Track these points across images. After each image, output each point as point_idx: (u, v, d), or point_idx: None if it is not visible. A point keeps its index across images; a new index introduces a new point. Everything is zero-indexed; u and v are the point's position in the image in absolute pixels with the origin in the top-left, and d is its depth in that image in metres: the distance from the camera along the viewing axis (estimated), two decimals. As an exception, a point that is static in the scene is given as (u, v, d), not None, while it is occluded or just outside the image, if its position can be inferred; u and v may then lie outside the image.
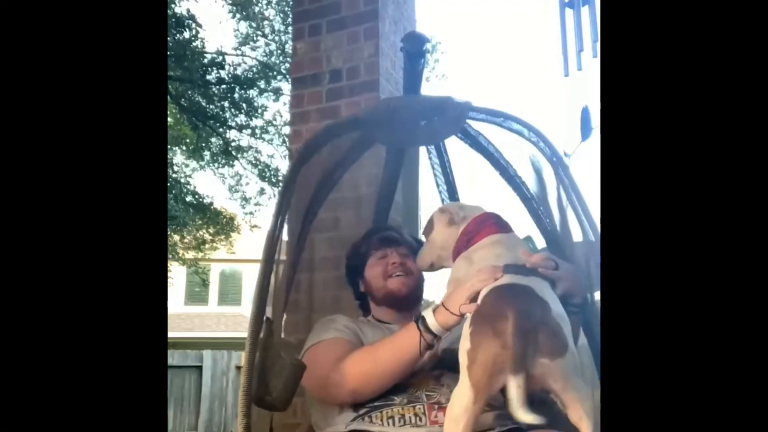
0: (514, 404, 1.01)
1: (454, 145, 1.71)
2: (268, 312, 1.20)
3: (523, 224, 1.52)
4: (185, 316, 11.98)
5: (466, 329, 1.11)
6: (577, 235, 1.41)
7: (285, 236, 1.38)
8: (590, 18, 2.76)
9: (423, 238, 1.47)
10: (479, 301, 1.14)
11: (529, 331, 1.04)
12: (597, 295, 1.35)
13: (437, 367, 1.33)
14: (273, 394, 1.13)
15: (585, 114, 2.95)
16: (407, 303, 1.53)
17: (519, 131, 1.48)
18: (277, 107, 9.01)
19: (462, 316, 1.19)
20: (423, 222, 1.82)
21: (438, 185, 1.83)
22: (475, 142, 1.61)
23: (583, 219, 1.37)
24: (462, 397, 1.06)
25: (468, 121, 1.53)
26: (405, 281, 1.52)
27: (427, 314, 1.24)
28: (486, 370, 1.04)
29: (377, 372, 1.28)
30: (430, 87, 8.50)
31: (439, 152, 1.78)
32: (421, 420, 1.24)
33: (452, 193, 1.82)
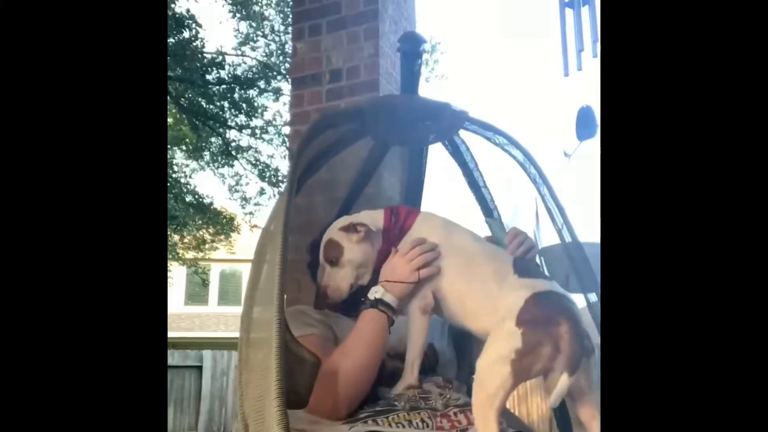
0: (557, 397, 1.10)
1: (435, 151, 1.72)
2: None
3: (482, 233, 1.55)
4: (185, 316, 11.98)
5: (511, 328, 1.14)
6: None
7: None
8: (590, 18, 2.77)
9: (326, 266, 1.35)
10: (522, 304, 1.17)
11: (582, 335, 1.13)
12: (592, 297, 1.36)
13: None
14: (298, 391, 1.12)
15: (590, 113, 2.94)
16: (345, 308, 1.46)
17: (506, 147, 1.49)
18: (277, 107, 9.04)
19: (417, 282, 1.27)
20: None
21: (408, 186, 1.83)
22: (456, 149, 1.62)
23: (563, 232, 1.38)
24: (499, 377, 1.11)
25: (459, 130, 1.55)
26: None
27: (383, 294, 1.27)
28: (532, 366, 1.11)
29: (360, 371, 1.26)
30: (430, 87, 8.52)
31: (419, 155, 1.79)
32: (427, 425, 1.21)
33: (417, 195, 1.83)
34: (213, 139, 9.06)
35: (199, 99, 8.51)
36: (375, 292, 1.28)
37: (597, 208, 0.86)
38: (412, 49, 1.63)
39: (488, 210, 1.64)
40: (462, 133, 1.59)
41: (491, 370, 1.12)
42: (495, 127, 1.50)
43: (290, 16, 4.00)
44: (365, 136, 1.54)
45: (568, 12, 2.83)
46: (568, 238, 1.40)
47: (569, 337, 1.11)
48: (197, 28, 7.71)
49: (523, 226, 1.55)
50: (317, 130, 1.36)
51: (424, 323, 1.31)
